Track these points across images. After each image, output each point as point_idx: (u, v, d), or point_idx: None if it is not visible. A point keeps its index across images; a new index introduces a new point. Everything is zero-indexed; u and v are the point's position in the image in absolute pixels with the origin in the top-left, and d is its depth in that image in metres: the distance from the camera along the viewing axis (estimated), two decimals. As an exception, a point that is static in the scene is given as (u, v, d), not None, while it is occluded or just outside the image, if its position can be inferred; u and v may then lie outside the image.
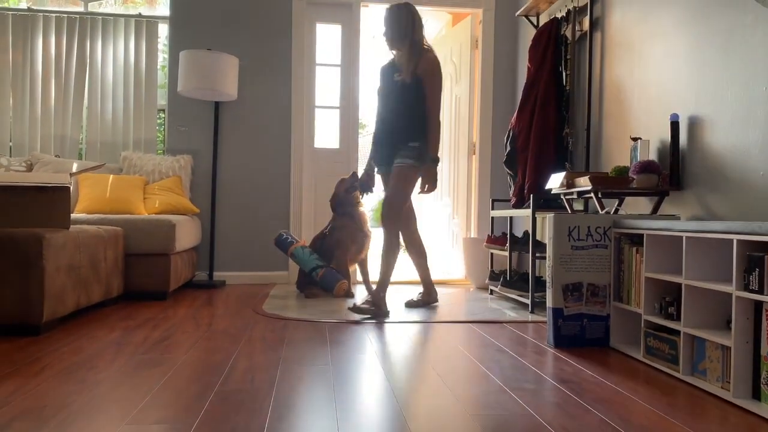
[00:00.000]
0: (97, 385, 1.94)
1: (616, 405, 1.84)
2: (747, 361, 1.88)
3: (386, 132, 3.65)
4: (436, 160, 3.55)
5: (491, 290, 4.33)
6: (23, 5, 4.87)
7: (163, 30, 5.00)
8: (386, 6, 3.79)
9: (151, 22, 4.83)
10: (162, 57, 5.29)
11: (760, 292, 1.79)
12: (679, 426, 1.66)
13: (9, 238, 2.68)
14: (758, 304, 1.85)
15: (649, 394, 1.97)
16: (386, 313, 3.39)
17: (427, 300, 3.80)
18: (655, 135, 3.04)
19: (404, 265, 7.02)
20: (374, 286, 4.37)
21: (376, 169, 3.80)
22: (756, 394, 1.86)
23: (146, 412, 1.69)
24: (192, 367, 2.19)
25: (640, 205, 3.18)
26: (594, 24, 3.72)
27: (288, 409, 1.74)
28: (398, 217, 3.54)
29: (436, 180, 3.58)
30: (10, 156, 4.61)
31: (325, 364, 2.26)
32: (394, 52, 3.67)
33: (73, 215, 3.91)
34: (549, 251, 2.70)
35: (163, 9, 5.01)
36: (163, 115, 5.05)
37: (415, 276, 4.18)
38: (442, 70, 5.80)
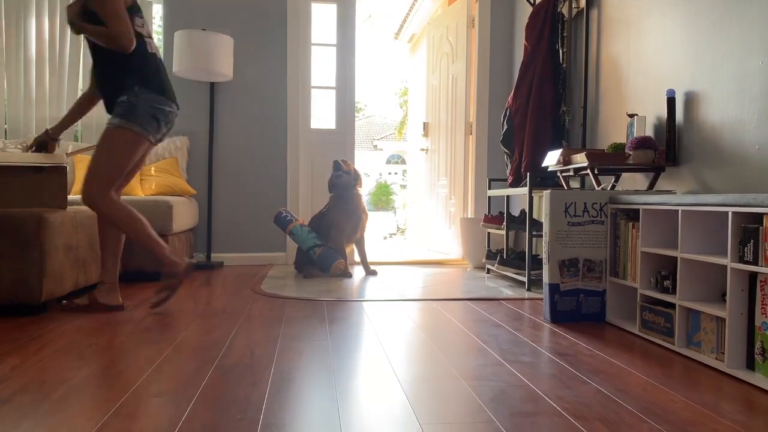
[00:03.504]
0: (97, 361, 1.96)
1: (611, 376, 1.86)
2: (741, 332, 1.90)
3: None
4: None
5: (488, 269, 4.35)
6: (15, -14, 4.82)
7: (158, 10, 4.96)
8: None
9: (145, 2, 4.79)
10: (157, 38, 5.25)
11: (755, 263, 1.80)
12: (673, 395, 1.68)
13: (7, 218, 2.68)
14: (753, 276, 1.87)
15: (645, 365, 1.99)
16: (186, 265, 2.86)
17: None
18: (651, 111, 3.04)
19: (395, 246, 7.06)
20: (372, 267, 4.41)
21: None
22: (750, 364, 1.88)
23: (147, 385, 1.71)
24: (191, 344, 2.20)
25: (637, 181, 3.19)
26: (590, 1, 3.70)
27: (287, 381, 1.76)
28: (106, 196, 2.70)
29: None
30: (6, 138, 4.59)
31: (323, 340, 2.28)
32: None
33: (70, 196, 3.91)
34: (545, 228, 2.71)
35: (157, -11, 4.97)
36: (158, 97, 5.02)
37: (402, 257, 4.23)
38: (438, 50, 5.80)
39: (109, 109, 2.80)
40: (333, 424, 1.44)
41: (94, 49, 2.80)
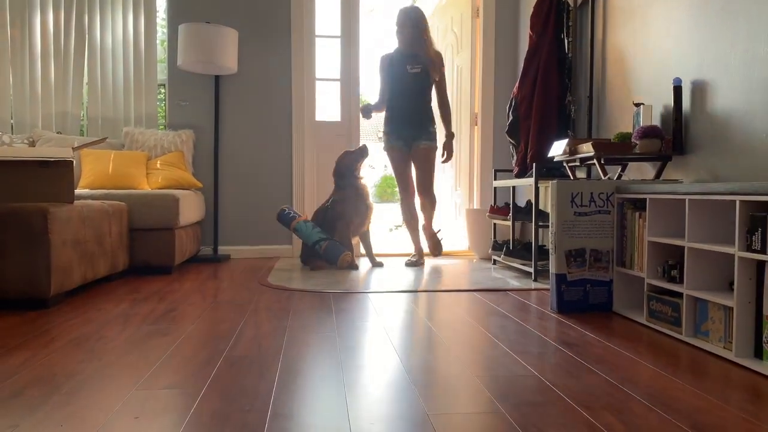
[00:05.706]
0: (106, 354, 1.97)
1: (619, 366, 1.86)
2: (749, 320, 1.90)
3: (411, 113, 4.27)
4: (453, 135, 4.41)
5: (494, 260, 4.35)
6: (20, -19, 4.82)
7: (161, 3, 4.96)
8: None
9: (149, -5, 4.78)
10: (161, 31, 5.25)
11: (763, 251, 1.79)
12: (681, 384, 1.68)
13: (14, 212, 2.70)
14: (761, 264, 1.86)
15: (652, 355, 1.99)
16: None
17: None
18: (657, 100, 3.02)
19: (401, 238, 7.04)
20: (378, 258, 4.41)
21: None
22: (758, 353, 1.88)
23: (156, 377, 1.72)
24: (199, 336, 2.22)
25: (644, 170, 3.18)
26: (596, -11, 3.68)
27: (295, 373, 1.77)
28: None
29: (452, 151, 4.40)
30: (12, 133, 4.60)
31: (330, 332, 2.29)
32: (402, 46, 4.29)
33: (77, 191, 3.92)
34: (552, 218, 2.70)
35: (161, -18, 4.97)
36: (163, 91, 5.04)
37: (408, 249, 4.27)
38: (443, 41, 5.78)
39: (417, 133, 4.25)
40: (341, 414, 1.44)
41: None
